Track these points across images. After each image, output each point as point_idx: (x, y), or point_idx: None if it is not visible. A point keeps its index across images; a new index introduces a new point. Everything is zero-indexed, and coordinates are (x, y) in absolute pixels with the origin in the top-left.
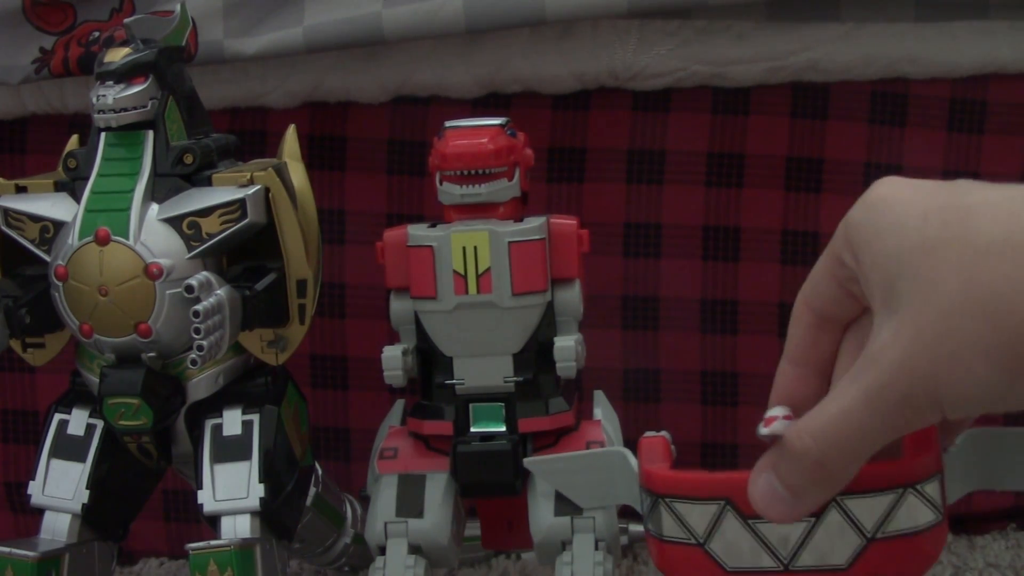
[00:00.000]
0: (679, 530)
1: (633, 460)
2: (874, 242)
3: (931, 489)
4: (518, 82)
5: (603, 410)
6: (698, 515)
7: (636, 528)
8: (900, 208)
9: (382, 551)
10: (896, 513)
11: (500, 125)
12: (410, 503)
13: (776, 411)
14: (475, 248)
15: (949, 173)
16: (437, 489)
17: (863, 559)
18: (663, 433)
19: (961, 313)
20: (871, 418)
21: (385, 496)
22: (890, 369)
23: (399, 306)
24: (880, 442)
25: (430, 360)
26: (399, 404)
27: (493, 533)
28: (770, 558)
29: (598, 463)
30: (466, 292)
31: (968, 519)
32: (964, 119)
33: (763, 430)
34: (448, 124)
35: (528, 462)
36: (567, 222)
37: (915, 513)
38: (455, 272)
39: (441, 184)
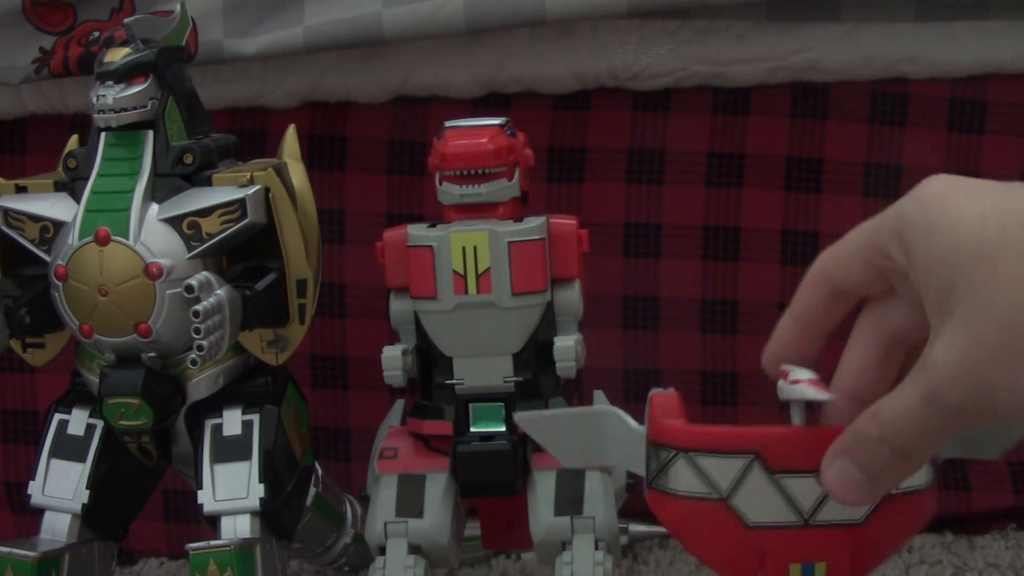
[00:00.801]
0: (700, 485)
1: (630, 419)
2: (930, 243)
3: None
4: (518, 82)
5: None
6: (724, 469)
7: (636, 528)
8: (956, 209)
9: (382, 551)
10: None
11: (500, 125)
12: (410, 503)
13: (802, 373)
14: (475, 248)
15: (949, 173)
16: (437, 489)
17: (878, 514)
18: (671, 389)
19: (1020, 326)
20: (931, 419)
21: (385, 496)
22: (947, 376)
23: (399, 306)
24: (943, 438)
25: (430, 360)
26: (399, 404)
27: (493, 533)
28: (792, 512)
29: (590, 422)
30: (466, 292)
31: (968, 519)
32: (964, 119)
33: (789, 389)
34: (448, 124)
35: (518, 417)
36: (567, 222)
37: (920, 471)
38: (455, 272)
39: (441, 184)
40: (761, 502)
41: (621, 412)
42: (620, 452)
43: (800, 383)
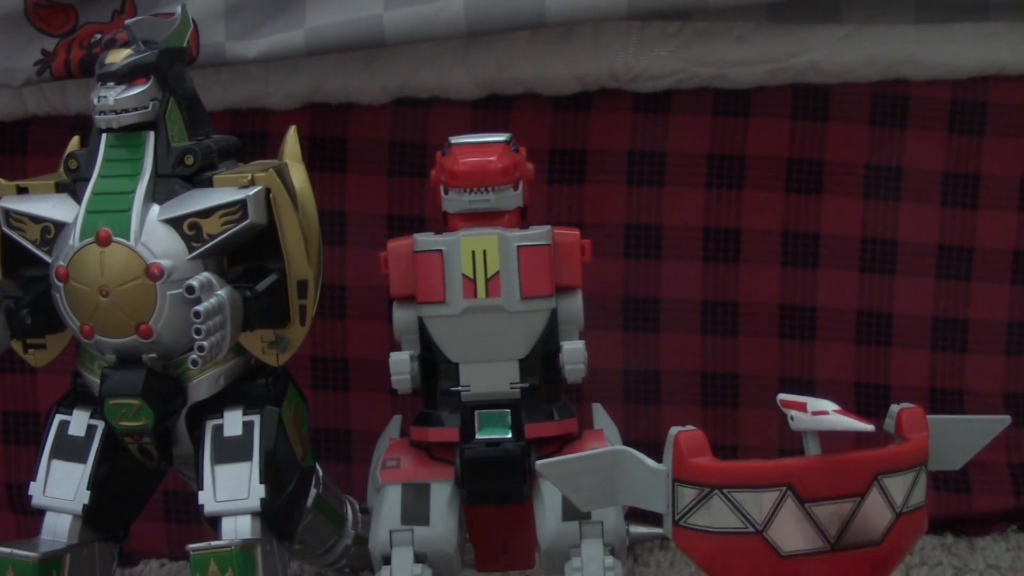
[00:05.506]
0: (735, 520)
1: (647, 459)
2: None
3: (927, 466)
4: (519, 84)
5: (603, 422)
6: (758, 503)
7: (636, 530)
8: None
9: (386, 561)
10: (914, 489)
11: (505, 142)
12: (416, 511)
13: (824, 404)
14: (484, 252)
15: (949, 174)
16: (442, 497)
17: (892, 533)
18: (691, 427)
19: None
20: None
21: (389, 505)
22: None
23: (402, 315)
24: None
25: (433, 369)
26: (396, 419)
27: (487, 556)
28: (820, 539)
29: (606, 463)
30: (475, 296)
31: (969, 521)
32: (965, 120)
33: (815, 420)
34: (453, 140)
35: (540, 466)
36: (570, 232)
37: (922, 489)
38: (464, 276)
39: (447, 193)
40: (793, 531)
41: (637, 452)
42: (637, 491)
43: (828, 414)
